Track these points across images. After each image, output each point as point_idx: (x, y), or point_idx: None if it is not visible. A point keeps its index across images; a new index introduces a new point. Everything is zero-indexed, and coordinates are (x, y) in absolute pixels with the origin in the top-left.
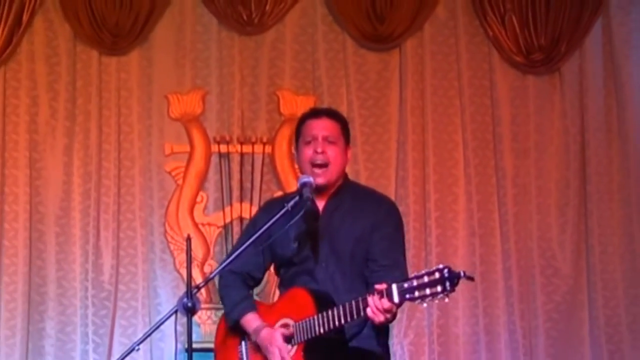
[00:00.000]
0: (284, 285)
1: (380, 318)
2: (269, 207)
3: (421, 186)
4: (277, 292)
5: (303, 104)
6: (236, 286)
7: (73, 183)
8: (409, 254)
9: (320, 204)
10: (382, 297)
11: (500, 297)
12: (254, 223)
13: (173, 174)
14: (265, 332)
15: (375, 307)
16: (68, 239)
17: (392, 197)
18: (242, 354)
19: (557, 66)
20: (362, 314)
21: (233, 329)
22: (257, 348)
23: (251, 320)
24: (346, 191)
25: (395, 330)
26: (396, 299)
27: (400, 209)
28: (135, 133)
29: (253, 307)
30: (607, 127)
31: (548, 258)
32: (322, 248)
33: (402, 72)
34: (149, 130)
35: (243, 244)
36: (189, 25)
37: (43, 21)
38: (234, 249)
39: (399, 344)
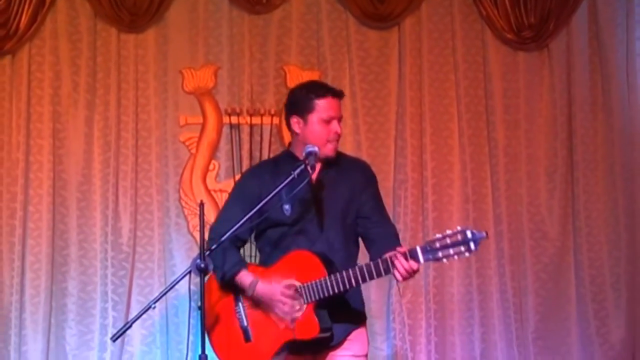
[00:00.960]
0: (273, 245)
1: (406, 277)
2: (257, 173)
3: (419, 155)
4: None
5: (308, 79)
6: (227, 248)
7: (93, 152)
8: (408, 218)
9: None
10: (407, 259)
11: (492, 259)
12: (243, 187)
13: (187, 143)
14: (262, 285)
15: (403, 268)
16: (89, 204)
17: (392, 166)
18: (240, 314)
19: (545, 43)
20: (383, 274)
21: (225, 290)
22: (256, 306)
23: (245, 276)
24: (333, 159)
25: (394, 289)
26: (421, 260)
27: (399, 176)
28: (151, 105)
29: (245, 265)
30: (592, 100)
31: (537, 222)
32: (315, 210)
33: (401, 49)
34: (164, 102)
35: (233, 207)
36: (202, 4)
37: (65, 0)
38: (226, 212)
39: (397, 303)
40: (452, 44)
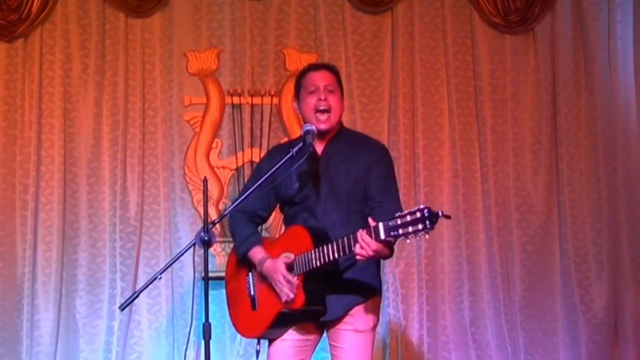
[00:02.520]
0: (287, 221)
1: (366, 253)
2: (272, 153)
3: (411, 133)
4: (283, 228)
5: (306, 61)
6: (244, 223)
7: (103, 131)
8: (401, 193)
9: (319, 148)
10: (370, 235)
11: (480, 231)
12: (260, 168)
13: (191, 122)
14: (269, 262)
15: (362, 241)
16: (98, 180)
17: (385, 143)
18: (249, 284)
19: (531, 26)
20: (353, 249)
21: (241, 262)
22: (263, 278)
23: (257, 253)
24: (342, 137)
25: (387, 260)
26: (382, 235)
27: (392, 153)
28: (157, 86)
29: (259, 241)
30: (575, 80)
31: (523, 196)
32: (321, 188)
33: (394, 32)
34: (170, 84)
35: (250, 186)
36: None
37: None
38: (243, 191)
39: (390, 273)
40: (442, 28)
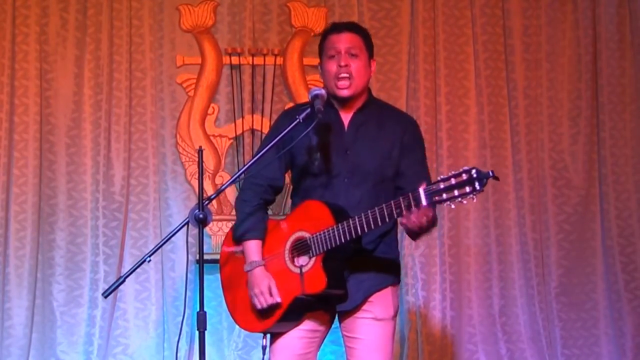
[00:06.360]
0: (299, 195)
1: (411, 221)
2: (291, 112)
3: (432, 98)
4: (289, 201)
5: (314, 16)
6: (252, 203)
7: (84, 94)
8: None
9: (346, 118)
10: (409, 201)
11: (511, 209)
12: (276, 126)
13: (184, 85)
14: (258, 271)
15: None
16: (79, 150)
17: (404, 109)
18: None
19: None
20: (387, 220)
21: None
22: (270, 262)
23: (252, 251)
24: (371, 107)
25: (405, 241)
26: (424, 202)
27: None
28: (146, 44)
29: (260, 233)
30: (619, 37)
31: (559, 169)
32: (345, 163)
33: None
34: (160, 41)
35: (265, 146)
36: None
37: None
38: (257, 152)
39: (409, 256)
40: None
